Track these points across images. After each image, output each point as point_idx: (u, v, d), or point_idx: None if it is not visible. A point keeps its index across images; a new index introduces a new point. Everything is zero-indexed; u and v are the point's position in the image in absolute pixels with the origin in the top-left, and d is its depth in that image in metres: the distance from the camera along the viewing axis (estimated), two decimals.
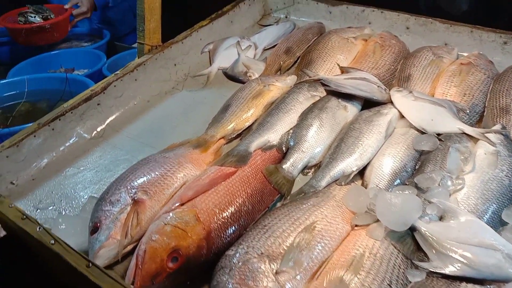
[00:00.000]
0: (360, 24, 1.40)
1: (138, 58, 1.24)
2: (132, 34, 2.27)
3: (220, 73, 1.33)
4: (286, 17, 1.55)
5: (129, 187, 0.81)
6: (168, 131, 1.10)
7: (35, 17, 1.62)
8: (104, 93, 1.11)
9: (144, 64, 1.20)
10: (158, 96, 1.23)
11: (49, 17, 1.66)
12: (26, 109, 1.34)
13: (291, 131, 0.99)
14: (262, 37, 1.45)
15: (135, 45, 2.27)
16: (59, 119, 1.03)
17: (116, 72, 1.15)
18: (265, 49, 1.41)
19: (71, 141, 1.05)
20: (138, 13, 1.19)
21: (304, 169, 0.94)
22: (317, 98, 1.08)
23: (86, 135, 1.08)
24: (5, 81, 1.39)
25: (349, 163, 0.89)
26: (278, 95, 1.13)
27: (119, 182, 0.83)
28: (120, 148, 1.06)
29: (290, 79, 1.17)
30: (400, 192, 0.78)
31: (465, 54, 1.19)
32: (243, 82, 1.25)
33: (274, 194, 0.87)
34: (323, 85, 1.10)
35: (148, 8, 1.18)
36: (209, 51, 1.40)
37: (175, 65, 1.30)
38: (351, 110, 1.05)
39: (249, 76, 1.26)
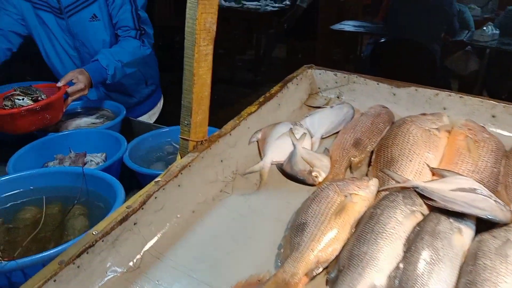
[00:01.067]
0: (432, 109, 1.20)
1: (181, 157, 1.00)
2: (142, 104, 2.06)
3: (274, 169, 1.10)
4: (338, 97, 1.35)
5: None
6: (222, 259, 0.84)
7: (23, 99, 1.38)
8: (143, 208, 0.86)
9: (190, 166, 0.96)
10: (205, 204, 0.98)
11: (39, 98, 1.42)
12: (33, 216, 1.07)
13: (400, 267, 0.75)
14: (316, 123, 1.23)
15: (147, 116, 2.07)
16: (87, 252, 0.77)
17: (156, 179, 0.91)
18: (323, 138, 1.19)
19: (101, 283, 0.79)
20: (184, 105, 0.96)
21: None
22: (418, 215, 0.85)
23: (119, 269, 0.82)
24: (4, 178, 1.12)
25: None
26: (364, 208, 0.90)
27: None
28: (164, 285, 0.80)
29: (373, 185, 0.94)
30: None
31: None
32: (307, 183, 1.03)
33: None
34: (421, 196, 0.88)
35: (197, 98, 0.96)
36: (257, 141, 1.17)
37: (221, 161, 1.06)
38: (466, 234, 0.82)
39: (315, 177, 1.03)
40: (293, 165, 1.06)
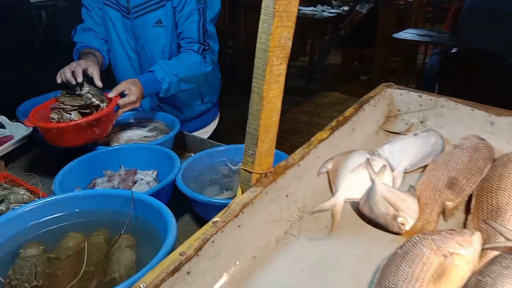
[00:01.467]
0: None
1: (242, 191, 0.86)
2: (194, 121, 1.95)
3: (348, 208, 0.94)
4: (421, 122, 1.16)
5: None
6: None
7: (71, 113, 1.29)
8: (198, 255, 0.73)
9: (252, 203, 0.82)
10: (267, 248, 0.84)
11: (92, 104, 1.32)
12: (76, 245, 0.97)
13: None
14: (397, 152, 1.06)
15: (199, 133, 1.96)
16: None
17: (214, 219, 0.77)
18: (406, 172, 1.02)
19: None
20: (249, 132, 0.82)
21: None
22: None
23: None
24: (49, 199, 1.03)
25: None
26: (468, 273, 0.72)
27: None
28: None
29: (477, 241, 0.76)
30: None
31: None
32: (390, 231, 0.86)
33: None
34: None
35: (264, 125, 0.82)
36: (327, 172, 1.02)
37: (287, 196, 0.92)
38: None
39: (401, 224, 0.85)
40: (373, 206, 0.90)
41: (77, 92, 1.38)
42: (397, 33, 4.41)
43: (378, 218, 0.88)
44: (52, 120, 1.32)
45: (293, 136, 4.22)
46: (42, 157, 1.66)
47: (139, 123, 1.68)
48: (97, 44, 1.74)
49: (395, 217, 0.86)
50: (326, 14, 5.91)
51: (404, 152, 1.05)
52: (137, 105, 1.47)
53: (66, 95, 1.38)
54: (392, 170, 1.01)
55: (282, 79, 0.81)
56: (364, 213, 0.91)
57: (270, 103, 0.81)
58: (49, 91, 1.85)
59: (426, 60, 4.60)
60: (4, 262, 0.94)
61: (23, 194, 1.20)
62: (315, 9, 6.12)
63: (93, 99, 1.37)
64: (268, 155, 0.87)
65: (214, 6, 1.74)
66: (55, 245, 0.99)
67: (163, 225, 0.96)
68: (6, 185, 1.27)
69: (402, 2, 6.66)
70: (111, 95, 1.43)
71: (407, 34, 4.42)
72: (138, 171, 1.36)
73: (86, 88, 1.38)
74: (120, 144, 1.46)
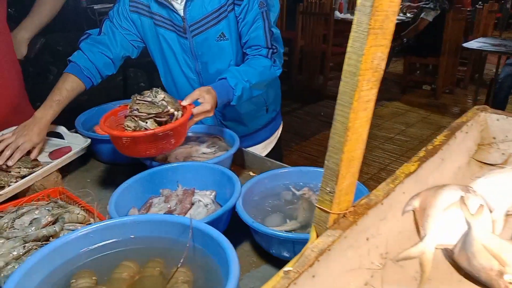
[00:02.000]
0: None
1: (317, 234, 0.75)
2: (258, 133, 1.85)
3: (440, 256, 0.80)
4: None
5: None
6: None
7: (147, 122, 1.21)
8: None
9: (329, 250, 0.70)
10: None
11: (168, 111, 1.25)
12: (130, 276, 0.91)
13: None
14: (496, 189, 0.90)
15: (263, 145, 1.86)
16: None
17: (286, 269, 0.66)
18: (508, 215, 0.86)
19: None
20: (329, 166, 0.71)
21: None
22: None
23: None
24: (103, 224, 0.97)
25: None
26: None
27: None
28: None
29: None
30: None
31: None
32: None
33: None
34: None
35: (347, 159, 0.70)
36: (414, 211, 0.88)
37: (367, 239, 0.79)
38: None
39: (509, 283, 0.70)
40: (471, 256, 0.75)
41: (149, 99, 1.29)
42: (468, 42, 4.10)
43: (478, 272, 0.73)
44: (127, 128, 1.24)
45: None
46: (99, 169, 1.63)
47: (197, 138, 1.61)
48: (99, 64, 1.60)
49: (501, 273, 0.71)
50: None
51: (504, 189, 0.89)
52: (211, 114, 1.38)
53: (139, 102, 1.28)
54: (491, 211, 0.86)
55: (371, 106, 0.69)
56: (461, 265, 0.76)
57: (356, 134, 0.69)
58: (108, 101, 1.83)
59: (499, 72, 4.26)
60: None
61: (78, 214, 1.15)
62: None
63: (169, 107, 1.29)
64: (349, 193, 0.75)
65: (274, 7, 1.65)
66: (108, 276, 0.91)
67: (224, 262, 0.86)
68: (62, 202, 1.23)
69: (469, 9, 6.29)
70: (184, 103, 1.34)
71: (479, 43, 4.11)
72: (196, 191, 1.28)
73: (161, 95, 1.29)
74: (179, 162, 1.39)
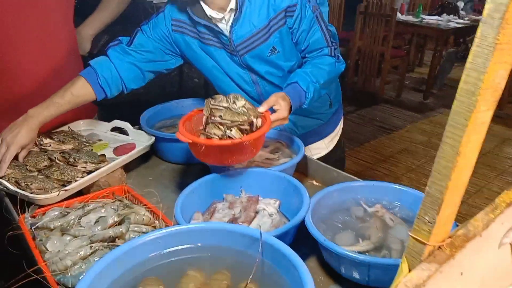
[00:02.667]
0: None
1: (409, 267, 0.68)
2: (321, 127, 1.78)
3: None
4: None
5: None
6: None
7: (231, 130, 1.18)
8: None
9: (424, 286, 0.63)
10: None
11: (248, 120, 1.20)
12: (197, 287, 0.86)
13: None
14: None
15: (325, 143, 1.78)
16: None
17: None
18: None
19: None
20: (430, 193, 0.63)
21: None
22: None
23: None
24: (171, 230, 0.94)
25: None
26: None
27: None
28: None
29: None
30: None
31: None
32: None
33: None
34: None
35: (453, 187, 0.62)
36: (511, 244, 0.78)
37: (461, 274, 0.71)
38: None
39: None
40: None
41: (226, 105, 1.23)
42: None
43: None
44: (213, 136, 1.18)
45: (408, 158, 3.87)
46: (160, 167, 1.63)
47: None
48: (125, 74, 1.51)
49: None
50: (452, 24, 5.39)
51: None
52: (286, 121, 1.33)
53: (217, 107, 1.22)
54: None
55: (484, 129, 0.60)
56: None
57: (465, 159, 0.61)
58: (162, 95, 1.82)
59: None
60: None
61: (144, 215, 1.14)
62: (440, 18, 5.62)
63: (251, 115, 1.23)
64: (447, 223, 0.67)
65: (324, 5, 1.56)
66: (175, 285, 0.89)
67: (297, 283, 0.81)
68: (127, 202, 1.22)
69: None
70: (261, 109, 1.28)
71: None
72: (260, 198, 1.23)
73: (241, 101, 1.24)
74: (243, 167, 1.35)
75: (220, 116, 1.19)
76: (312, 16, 1.44)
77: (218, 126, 1.18)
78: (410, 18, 5.67)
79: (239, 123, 1.19)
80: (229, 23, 1.44)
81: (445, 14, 5.74)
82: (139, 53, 1.52)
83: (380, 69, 5.25)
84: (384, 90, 5.44)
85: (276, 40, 1.47)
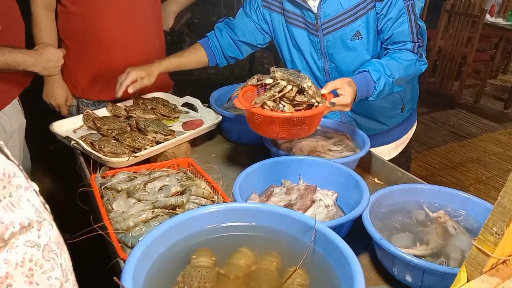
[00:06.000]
0: None
1: (468, 278, 0.65)
2: (391, 132, 1.72)
3: None
4: None
5: None
6: None
7: (284, 106, 1.19)
8: None
9: None
10: None
11: (305, 96, 1.20)
12: (247, 265, 0.90)
13: None
14: None
15: (394, 145, 1.73)
16: None
17: None
18: None
19: None
20: (502, 203, 0.60)
21: None
22: None
23: None
24: (229, 206, 0.98)
25: None
26: None
27: None
28: None
29: None
30: None
31: None
32: None
33: None
34: None
35: None
36: None
37: None
38: None
39: None
40: None
41: (293, 78, 1.24)
42: None
43: None
44: (265, 107, 1.22)
45: (479, 168, 3.64)
46: (224, 146, 1.67)
47: (325, 133, 1.55)
48: (224, 44, 1.67)
49: None
50: None
51: None
52: (348, 108, 1.30)
53: (282, 79, 1.24)
54: None
55: None
56: None
57: None
58: (233, 78, 1.86)
59: None
60: (176, 261, 0.91)
61: (204, 188, 1.18)
62: None
63: (314, 99, 1.23)
64: None
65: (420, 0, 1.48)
66: (226, 259, 0.91)
67: (348, 276, 0.80)
68: (190, 174, 1.27)
69: None
70: (324, 91, 1.27)
71: None
72: (317, 188, 1.23)
73: (308, 82, 1.23)
74: (304, 155, 1.35)
75: (285, 95, 1.20)
76: (403, 5, 1.39)
77: (274, 100, 1.20)
78: (500, 20, 5.27)
79: (298, 102, 1.21)
80: (318, 1, 1.45)
81: None
82: (237, 25, 1.66)
83: (460, 72, 4.95)
84: (462, 94, 5.13)
85: (362, 25, 1.44)
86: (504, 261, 0.65)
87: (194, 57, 1.65)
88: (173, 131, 1.50)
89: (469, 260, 0.66)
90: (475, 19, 4.59)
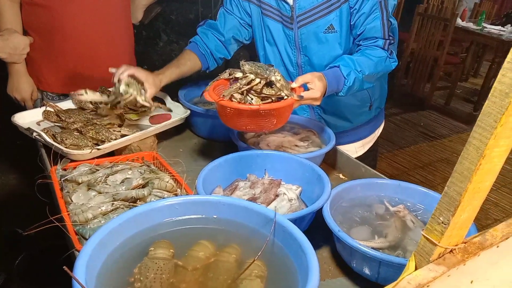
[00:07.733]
0: None
1: (416, 265, 0.66)
2: (357, 130, 1.74)
3: None
4: None
5: None
6: None
7: (252, 99, 1.19)
8: None
9: (428, 286, 0.62)
10: None
11: (273, 88, 1.20)
12: (206, 257, 0.90)
13: None
14: None
15: (360, 144, 1.75)
16: None
17: None
18: None
19: None
20: (448, 193, 0.62)
21: None
22: None
23: None
24: (189, 198, 0.97)
25: None
26: None
27: None
28: None
29: None
30: None
31: None
32: None
33: None
34: None
35: (473, 190, 0.60)
36: None
37: (471, 282, 0.69)
38: None
39: None
40: None
41: (259, 72, 1.25)
42: None
43: None
44: (233, 100, 1.23)
45: (447, 168, 3.73)
46: (192, 141, 1.66)
47: (292, 128, 1.56)
48: (211, 46, 1.64)
49: None
50: None
51: None
52: (317, 103, 1.31)
53: (250, 72, 1.25)
54: None
55: None
56: None
57: (490, 163, 0.59)
58: (208, 76, 1.85)
59: None
60: (134, 253, 0.89)
61: (167, 182, 1.17)
62: (502, 29, 5.34)
63: (283, 92, 1.23)
64: (463, 227, 0.65)
65: None
66: (185, 251, 0.91)
67: (303, 266, 0.81)
68: (154, 168, 1.26)
69: None
70: (294, 85, 1.28)
71: None
72: (282, 183, 1.24)
73: (277, 76, 1.24)
74: (270, 150, 1.35)
75: (254, 88, 1.20)
76: (376, 1, 1.41)
77: (242, 93, 1.21)
78: (470, 25, 5.42)
79: (265, 95, 1.21)
80: None
81: (509, 25, 5.44)
82: (220, 25, 1.65)
83: (432, 74, 5.06)
84: (434, 96, 5.25)
85: (335, 18, 1.46)
86: (451, 250, 0.66)
87: (191, 64, 1.61)
88: (139, 125, 1.48)
89: (418, 250, 0.67)
90: (446, 23, 4.70)
